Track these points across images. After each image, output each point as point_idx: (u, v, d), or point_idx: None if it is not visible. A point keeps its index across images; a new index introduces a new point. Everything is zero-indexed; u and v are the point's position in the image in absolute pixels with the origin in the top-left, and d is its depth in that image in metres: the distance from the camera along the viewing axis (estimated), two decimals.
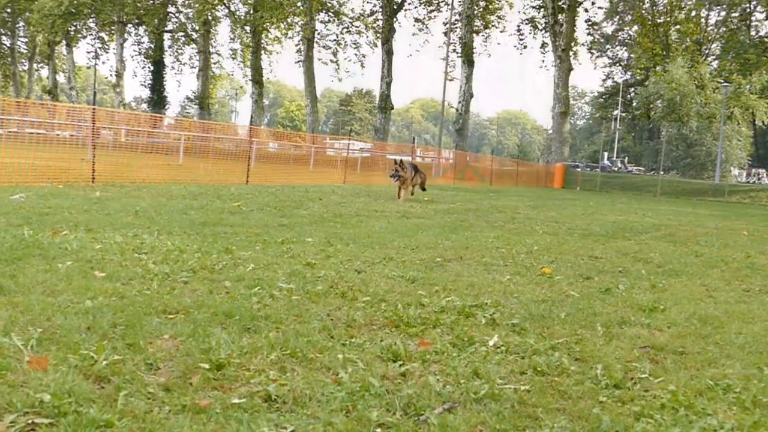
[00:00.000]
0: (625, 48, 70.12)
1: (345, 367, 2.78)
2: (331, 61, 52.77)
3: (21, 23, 63.50)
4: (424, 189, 15.13)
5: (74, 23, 55.49)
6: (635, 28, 59.43)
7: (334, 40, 52.77)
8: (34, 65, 68.27)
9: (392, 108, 48.26)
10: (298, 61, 50.05)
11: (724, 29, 57.46)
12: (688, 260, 7.23)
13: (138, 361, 2.65)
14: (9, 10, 59.73)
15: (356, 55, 56.53)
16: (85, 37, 61.41)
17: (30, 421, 2.08)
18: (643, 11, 56.67)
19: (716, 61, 57.86)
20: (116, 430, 2.05)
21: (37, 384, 2.32)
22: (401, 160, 13.85)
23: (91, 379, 2.44)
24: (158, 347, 2.85)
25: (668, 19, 55.45)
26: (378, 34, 49.42)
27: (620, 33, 69.56)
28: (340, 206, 10.88)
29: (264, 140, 34.89)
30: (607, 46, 70.43)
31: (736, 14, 56.94)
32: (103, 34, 59.79)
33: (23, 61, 68.05)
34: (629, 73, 70.05)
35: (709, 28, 58.90)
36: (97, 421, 2.08)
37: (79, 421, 2.07)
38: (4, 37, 65.18)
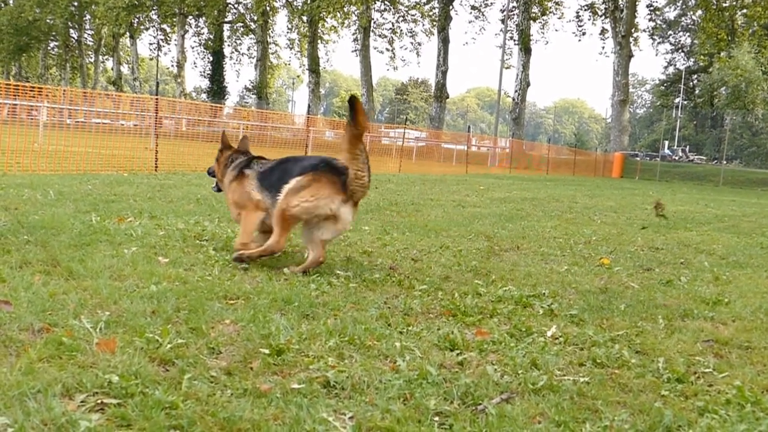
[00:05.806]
0: (688, 34, 67.99)
1: (402, 355, 2.79)
2: (387, 49, 53.07)
3: (87, 16, 65.50)
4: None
5: (137, 15, 57.03)
6: (699, 12, 57.29)
7: (390, 28, 52.97)
8: (100, 57, 70.43)
9: (448, 97, 48.08)
10: (354, 50, 50.43)
11: None
12: (754, 252, 6.98)
13: (200, 345, 2.71)
14: (76, 4, 61.67)
15: (412, 43, 56.75)
16: (147, 29, 63.06)
17: (99, 401, 2.15)
18: None
19: None
20: (181, 411, 2.10)
21: (106, 365, 2.40)
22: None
23: (157, 362, 2.51)
24: (220, 332, 2.91)
25: (734, 2, 53.20)
26: (434, 22, 49.24)
27: (683, 18, 67.48)
28: (395, 195, 10.88)
29: (320, 129, 35.14)
30: (670, 32, 68.43)
31: None
32: (164, 26, 61.19)
33: (89, 53, 70.34)
34: (692, 59, 67.88)
35: None
36: (163, 402, 2.13)
37: (146, 402, 2.13)
38: (72, 30, 67.34)
